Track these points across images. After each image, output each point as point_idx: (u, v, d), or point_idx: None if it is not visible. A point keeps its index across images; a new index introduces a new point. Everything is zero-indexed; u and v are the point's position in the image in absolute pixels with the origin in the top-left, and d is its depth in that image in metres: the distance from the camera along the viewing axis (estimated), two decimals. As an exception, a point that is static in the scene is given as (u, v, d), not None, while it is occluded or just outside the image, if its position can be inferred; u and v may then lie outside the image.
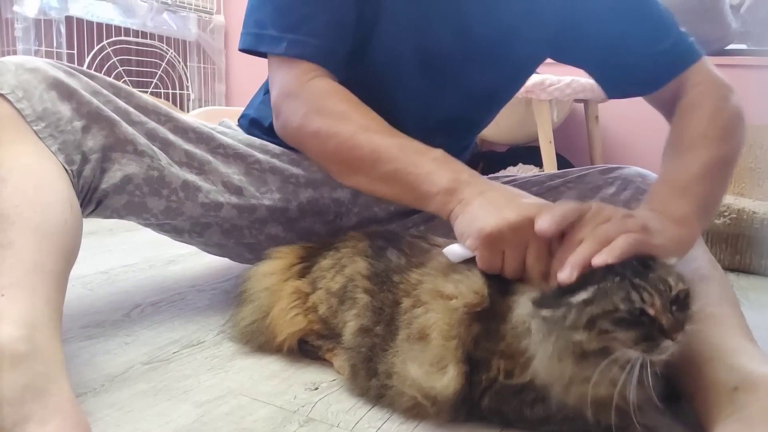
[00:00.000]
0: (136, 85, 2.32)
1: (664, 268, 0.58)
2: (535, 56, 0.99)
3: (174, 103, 2.51)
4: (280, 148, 0.94)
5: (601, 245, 0.58)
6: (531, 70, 1.03)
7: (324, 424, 0.66)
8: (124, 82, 2.24)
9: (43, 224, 0.63)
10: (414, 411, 0.66)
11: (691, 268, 0.72)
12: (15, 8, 1.89)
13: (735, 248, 1.51)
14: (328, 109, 0.80)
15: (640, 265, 0.57)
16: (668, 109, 0.89)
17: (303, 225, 0.95)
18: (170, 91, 2.46)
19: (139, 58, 2.39)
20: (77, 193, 0.73)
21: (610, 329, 0.55)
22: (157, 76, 2.38)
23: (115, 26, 2.20)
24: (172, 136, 0.85)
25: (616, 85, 0.94)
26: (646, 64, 0.88)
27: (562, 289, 0.57)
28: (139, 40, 2.30)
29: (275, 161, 0.92)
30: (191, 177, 0.85)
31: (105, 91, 0.79)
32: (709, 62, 0.89)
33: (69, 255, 0.67)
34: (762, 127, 1.94)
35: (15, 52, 1.95)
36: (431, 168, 0.73)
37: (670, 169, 0.76)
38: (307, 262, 0.82)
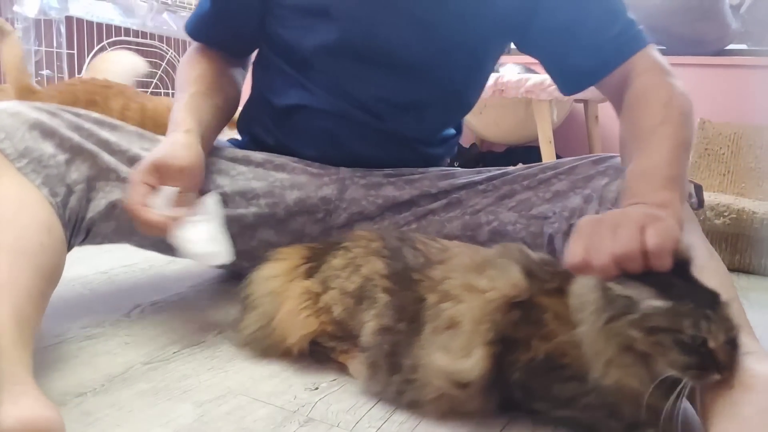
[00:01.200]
0: (137, 85, 2.31)
1: (727, 305, 0.60)
2: (493, 42, 1.00)
3: (174, 103, 2.51)
4: (263, 156, 0.98)
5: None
6: (492, 56, 1.04)
7: (324, 424, 0.66)
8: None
9: (18, 244, 0.68)
10: (441, 402, 0.66)
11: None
12: (15, 8, 1.89)
13: (735, 248, 1.51)
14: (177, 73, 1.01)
15: (711, 298, 0.59)
16: (617, 97, 0.90)
17: (294, 226, 0.96)
18: (170, 91, 2.46)
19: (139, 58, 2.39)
20: (65, 224, 0.79)
21: (668, 345, 0.56)
22: (157, 76, 2.38)
23: (115, 26, 2.20)
24: None
25: (568, 76, 0.96)
26: (595, 51, 0.90)
27: (630, 276, 0.58)
28: (139, 40, 2.30)
29: (259, 170, 0.96)
30: None
31: (87, 125, 0.85)
32: (654, 49, 0.90)
33: (47, 274, 0.71)
34: (762, 127, 1.94)
35: (15, 52, 1.95)
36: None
37: (640, 161, 0.76)
38: (313, 262, 0.81)
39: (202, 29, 1.00)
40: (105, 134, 0.86)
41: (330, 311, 0.76)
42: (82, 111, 0.88)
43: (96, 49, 2.14)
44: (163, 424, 0.64)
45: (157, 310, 0.97)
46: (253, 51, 1.06)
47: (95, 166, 0.84)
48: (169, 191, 0.78)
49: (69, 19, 2.06)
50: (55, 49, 2.02)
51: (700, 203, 0.86)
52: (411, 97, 0.97)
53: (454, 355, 0.64)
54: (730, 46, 2.20)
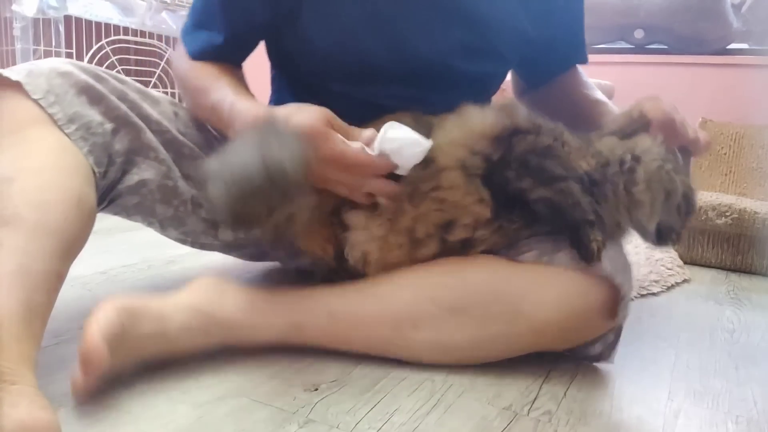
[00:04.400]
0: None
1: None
2: (511, 35, 0.97)
3: (173, 102, 2.50)
4: None
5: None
6: (513, 55, 1.01)
7: (324, 425, 0.65)
8: (124, 81, 2.24)
9: (39, 224, 0.66)
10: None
11: None
12: (13, 7, 1.88)
13: (736, 248, 1.51)
14: (184, 78, 0.94)
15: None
16: (550, 97, 1.07)
17: None
18: (169, 90, 2.45)
19: (138, 57, 2.38)
20: (97, 192, 0.77)
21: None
22: (156, 75, 2.38)
23: (113, 25, 2.19)
24: (187, 150, 0.89)
25: (534, 75, 1.10)
26: (562, 58, 1.07)
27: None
28: (138, 39, 2.30)
29: None
30: (197, 193, 0.89)
31: (131, 95, 0.84)
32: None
33: (67, 250, 0.69)
34: (764, 126, 1.93)
35: (13, 52, 1.95)
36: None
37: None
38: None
39: (210, 51, 0.91)
40: (147, 108, 0.85)
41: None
42: (126, 78, 0.86)
43: (95, 48, 2.13)
44: (163, 425, 0.63)
45: (157, 310, 0.97)
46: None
47: (137, 140, 0.82)
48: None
49: (68, 19, 2.06)
50: (53, 49, 2.01)
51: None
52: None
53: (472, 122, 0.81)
54: (732, 46, 2.20)
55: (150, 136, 0.84)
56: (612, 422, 0.70)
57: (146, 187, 0.84)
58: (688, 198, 0.82)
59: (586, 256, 0.75)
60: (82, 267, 1.16)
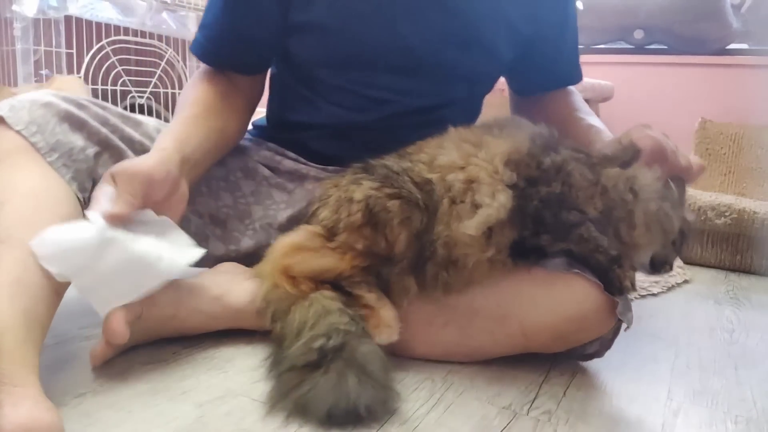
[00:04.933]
0: (136, 84, 2.31)
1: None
2: (504, 44, 0.99)
3: (174, 102, 2.51)
4: (269, 172, 0.99)
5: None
6: (503, 61, 1.02)
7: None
8: (123, 81, 2.24)
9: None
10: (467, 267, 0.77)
11: None
12: (14, 7, 1.88)
13: (736, 248, 1.51)
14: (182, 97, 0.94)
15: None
16: (533, 101, 1.11)
17: None
18: (169, 90, 2.45)
19: (139, 58, 2.38)
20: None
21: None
22: (157, 75, 2.38)
23: (114, 25, 2.19)
24: None
25: (527, 85, 1.11)
26: (558, 75, 1.10)
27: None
28: (138, 39, 2.30)
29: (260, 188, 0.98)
30: (185, 208, 0.88)
31: (113, 119, 0.86)
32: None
33: None
34: (763, 127, 1.93)
35: (14, 52, 1.95)
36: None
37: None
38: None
39: (213, 50, 0.94)
40: (129, 131, 0.87)
41: (353, 248, 0.77)
42: (107, 104, 0.88)
43: (95, 48, 2.14)
44: (163, 425, 0.63)
45: (157, 310, 0.97)
46: (268, 67, 1.00)
47: None
48: (146, 211, 0.72)
49: (68, 19, 2.06)
50: (54, 49, 2.01)
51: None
52: (395, 110, 0.97)
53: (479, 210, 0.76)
54: (732, 46, 2.20)
55: (132, 157, 0.85)
56: (611, 421, 0.70)
57: None
58: (684, 233, 0.83)
59: (620, 292, 0.76)
60: (82, 267, 1.16)
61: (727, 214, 1.48)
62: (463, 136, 0.84)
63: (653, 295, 1.22)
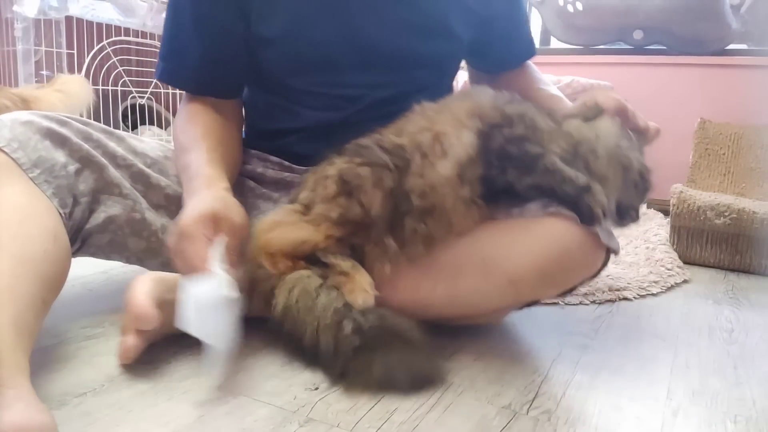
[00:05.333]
0: (136, 84, 2.31)
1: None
2: (462, 28, 1.01)
3: (174, 102, 2.51)
4: (254, 183, 1.01)
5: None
6: (464, 41, 1.04)
7: (324, 424, 0.65)
8: (124, 82, 2.24)
9: (22, 251, 0.69)
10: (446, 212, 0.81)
11: None
12: (15, 8, 1.88)
13: (735, 248, 1.51)
14: (176, 131, 0.97)
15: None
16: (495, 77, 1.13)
17: None
18: (170, 91, 2.46)
19: (139, 58, 2.39)
20: (68, 233, 0.80)
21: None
22: (157, 76, 2.38)
23: (114, 26, 2.19)
24: (154, 180, 0.92)
25: (486, 62, 1.14)
26: (516, 50, 1.13)
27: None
28: (139, 39, 2.30)
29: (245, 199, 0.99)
30: (168, 221, 0.91)
31: (96, 135, 0.87)
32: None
33: (49, 282, 0.71)
34: (762, 127, 1.93)
35: (14, 53, 1.95)
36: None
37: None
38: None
39: (193, 77, 0.97)
40: (112, 146, 0.89)
41: (327, 217, 0.80)
42: (90, 120, 0.90)
43: (95, 49, 2.14)
44: (163, 424, 0.63)
45: (157, 310, 0.97)
46: (242, 90, 1.03)
47: (101, 179, 0.86)
48: (222, 247, 0.74)
49: (69, 19, 2.06)
50: (54, 49, 2.02)
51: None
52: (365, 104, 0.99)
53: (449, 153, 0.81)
54: (731, 46, 2.20)
55: (113, 173, 0.86)
56: (611, 421, 0.70)
57: (114, 223, 0.87)
58: (644, 175, 0.87)
59: (591, 221, 0.78)
60: (83, 267, 1.16)
61: (726, 214, 1.48)
62: (427, 107, 0.89)
63: (653, 295, 1.22)
